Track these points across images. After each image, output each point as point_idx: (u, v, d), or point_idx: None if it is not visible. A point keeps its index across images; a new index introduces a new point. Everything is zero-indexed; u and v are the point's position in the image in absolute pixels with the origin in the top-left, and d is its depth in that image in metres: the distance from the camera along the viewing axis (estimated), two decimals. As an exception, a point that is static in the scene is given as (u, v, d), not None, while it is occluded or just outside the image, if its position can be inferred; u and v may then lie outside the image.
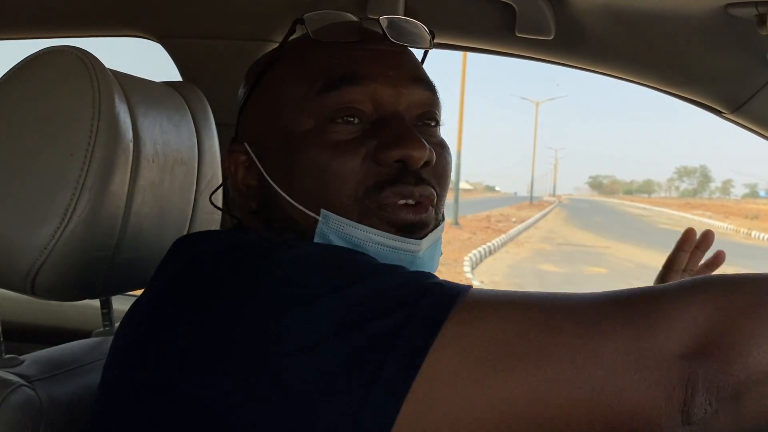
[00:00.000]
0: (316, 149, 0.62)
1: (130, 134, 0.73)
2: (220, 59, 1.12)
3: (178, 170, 0.83)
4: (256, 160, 0.66)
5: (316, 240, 0.62)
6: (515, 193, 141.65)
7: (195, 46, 1.13)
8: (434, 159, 0.63)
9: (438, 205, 0.65)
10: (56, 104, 0.68)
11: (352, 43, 0.63)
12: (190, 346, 0.50)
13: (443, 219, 0.68)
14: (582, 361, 0.46)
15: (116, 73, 0.75)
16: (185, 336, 0.51)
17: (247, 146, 0.68)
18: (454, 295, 0.49)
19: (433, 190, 0.64)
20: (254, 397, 0.47)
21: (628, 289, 0.50)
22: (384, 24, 0.64)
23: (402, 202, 0.61)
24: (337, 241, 0.61)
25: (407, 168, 0.61)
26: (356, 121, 0.62)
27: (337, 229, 0.61)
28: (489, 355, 0.46)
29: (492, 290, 0.52)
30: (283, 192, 0.63)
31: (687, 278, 0.50)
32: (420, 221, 0.62)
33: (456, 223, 18.02)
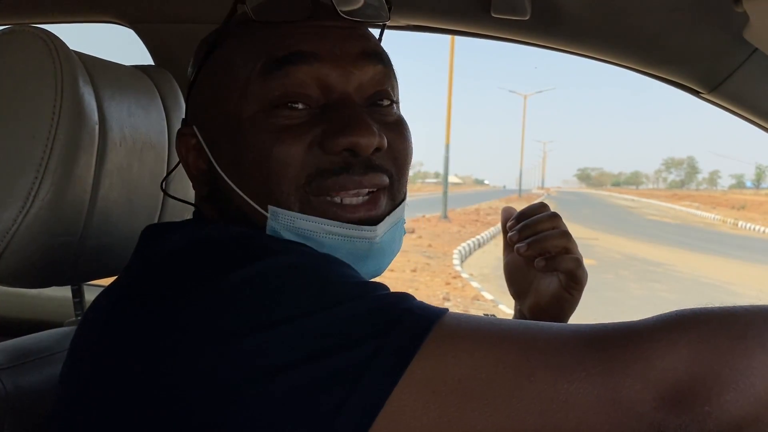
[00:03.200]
0: (258, 135, 0.58)
1: (95, 117, 0.71)
2: (192, 43, 1.10)
3: (148, 155, 0.82)
4: (204, 146, 0.63)
5: (267, 233, 0.59)
6: (504, 187, 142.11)
7: (167, 30, 1.12)
8: (385, 144, 0.60)
9: (394, 189, 0.63)
10: (17, 85, 0.67)
11: (296, 21, 0.60)
12: (145, 352, 0.48)
13: (404, 198, 0.65)
14: (553, 411, 0.45)
15: (81, 55, 0.73)
16: (140, 341, 0.49)
17: (195, 129, 0.64)
18: (427, 325, 0.47)
19: (385, 176, 0.61)
20: (210, 416, 0.46)
21: (607, 327, 0.48)
22: None
23: (348, 201, 0.59)
24: (289, 236, 0.58)
25: (356, 156, 0.58)
26: (301, 107, 0.59)
27: (287, 224, 0.59)
28: (457, 396, 0.45)
29: (468, 318, 0.50)
30: (231, 182, 0.60)
31: (671, 312, 0.48)
32: (370, 218, 0.60)
33: (445, 216, 18.04)
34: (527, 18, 0.97)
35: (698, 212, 32.08)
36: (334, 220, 0.59)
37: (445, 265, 9.80)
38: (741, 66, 0.95)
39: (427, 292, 7.26)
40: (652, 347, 0.46)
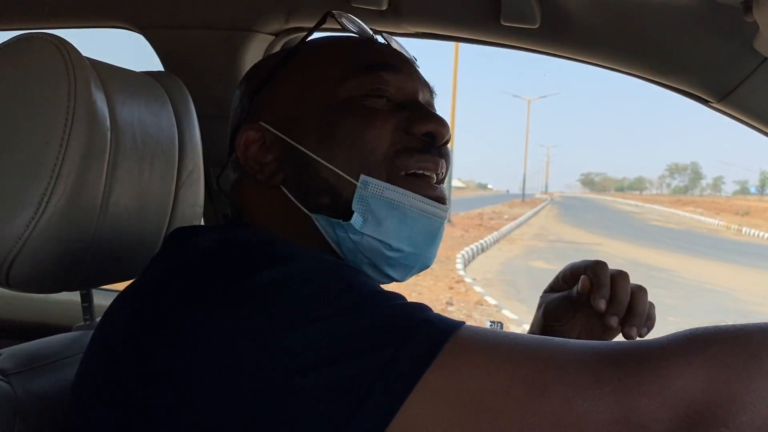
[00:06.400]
0: (353, 116, 0.66)
1: (107, 123, 0.71)
2: (202, 50, 1.11)
3: (158, 161, 0.82)
4: (279, 134, 0.68)
5: (354, 205, 0.64)
6: (507, 191, 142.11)
7: (177, 36, 1.12)
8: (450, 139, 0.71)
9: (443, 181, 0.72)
10: (31, 91, 0.67)
11: (382, 43, 0.74)
12: (176, 351, 0.50)
13: None
14: (566, 427, 0.45)
15: (93, 62, 0.73)
16: (171, 338, 0.50)
17: (263, 124, 0.69)
18: (443, 336, 0.48)
19: (446, 167, 0.70)
20: (230, 411, 0.47)
21: (622, 345, 0.49)
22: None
23: (428, 176, 0.68)
24: (377, 205, 0.64)
25: (433, 143, 0.68)
26: (384, 101, 0.68)
27: (375, 192, 0.64)
28: (470, 408, 0.46)
29: (484, 332, 0.50)
30: (320, 158, 0.66)
31: (685, 331, 0.49)
32: (441, 197, 0.69)
33: (448, 220, 18.04)
34: (536, 26, 0.98)
35: (702, 218, 32.02)
36: (416, 193, 0.65)
37: (449, 269, 9.80)
38: (751, 75, 0.95)
39: (430, 297, 7.25)
40: (668, 367, 0.46)
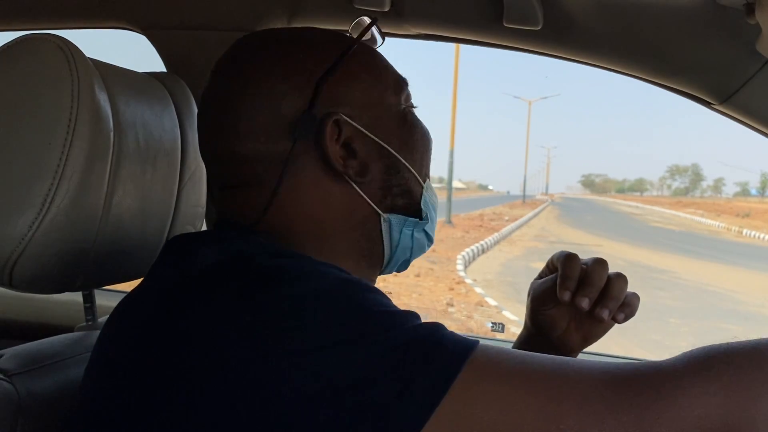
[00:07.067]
0: (418, 125, 0.72)
1: (110, 124, 0.71)
2: (205, 50, 1.11)
3: (161, 162, 0.82)
4: (367, 132, 0.66)
5: (422, 205, 0.70)
6: (508, 192, 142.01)
7: (180, 37, 1.12)
8: None
9: None
10: (34, 92, 0.67)
11: None
12: (186, 365, 0.49)
13: None
14: None
15: (96, 62, 0.73)
16: (182, 353, 0.50)
17: (347, 118, 0.65)
18: (458, 364, 0.48)
19: None
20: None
21: (638, 368, 0.48)
22: None
23: None
24: (429, 206, 0.71)
25: None
26: None
27: (430, 195, 0.72)
28: None
29: (498, 355, 0.50)
30: (406, 162, 0.69)
31: (699, 350, 0.49)
32: None
33: (449, 221, 18.03)
34: (539, 28, 0.98)
35: (702, 220, 32.01)
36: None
37: (449, 270, 9.79)
38: (753, 77, 0.95)
39: (431, 298, 7.25)
40: (686, 395, 0.45)
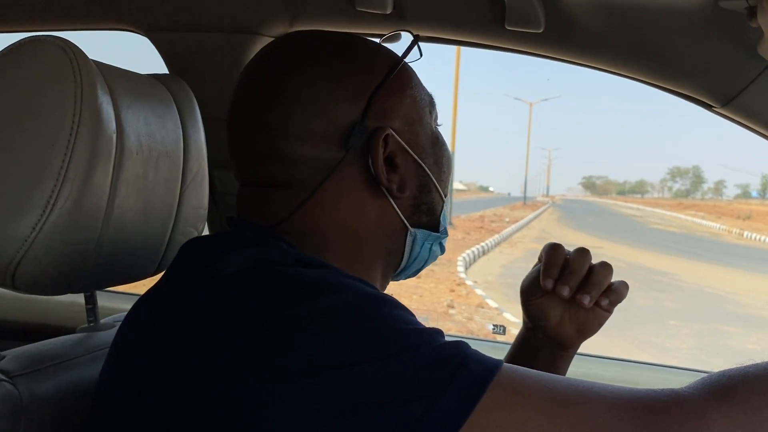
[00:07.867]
0: (445, 146, 0.73)
1: (113, 125, 0.71)
2: (207, 52, 1.11)
3: (163, 163, 0.82)
4: (408, 149, 0.68)
5: (441, 220, 0.73)
6: (509, 194, 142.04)
7: (182, 39, 1.12)
8: None
9: None
10: (37, 94, 0.67)
11: None
12: (210, 379, 0.49)
13: None
14: None
15: (99, 64, 0.73)
16: (205, 367, 0.50)
17: (394, 133, 0.66)
18: (480, 389, 0.48)
19: None
20: None
21: (660, 397, 0.49)
22: None
23: None
24: (445, 223, 0.74)
25: None
26: None
27: (445, 211, 0.74)
28: None
29: (522, 378, 0.50)
30: (437, 182, 0.72)
31: (717, 376, 0.50)
32: None
33: (450, 223, 18.03)
34: (541, 30, 0.98)
35: (703, 222, 32.00)
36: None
37: (450, 272, 9.80)
38: (755, 80, 0.95)
39: (432, 299, 7.25)
40: (708, 426, 0.46)
